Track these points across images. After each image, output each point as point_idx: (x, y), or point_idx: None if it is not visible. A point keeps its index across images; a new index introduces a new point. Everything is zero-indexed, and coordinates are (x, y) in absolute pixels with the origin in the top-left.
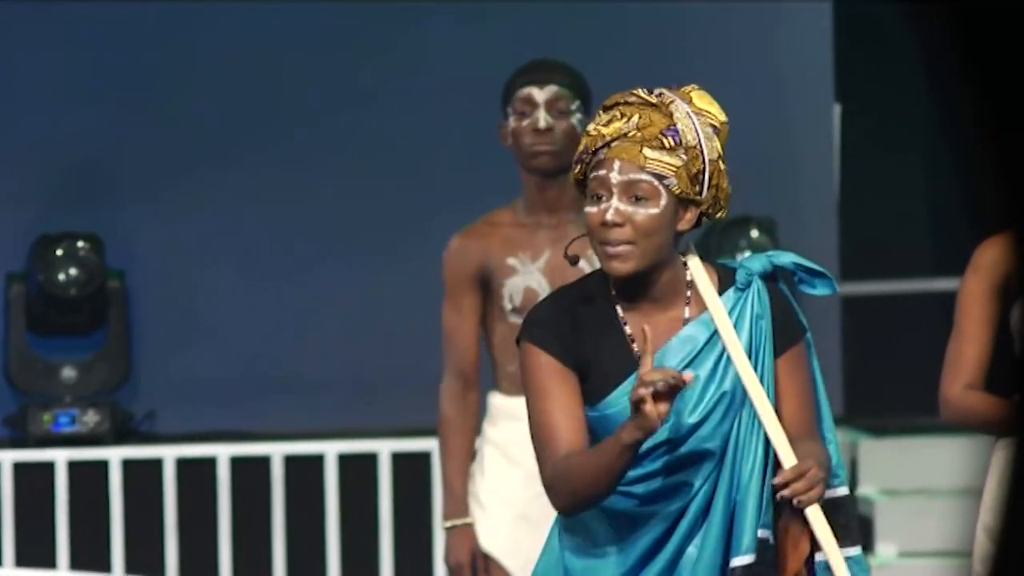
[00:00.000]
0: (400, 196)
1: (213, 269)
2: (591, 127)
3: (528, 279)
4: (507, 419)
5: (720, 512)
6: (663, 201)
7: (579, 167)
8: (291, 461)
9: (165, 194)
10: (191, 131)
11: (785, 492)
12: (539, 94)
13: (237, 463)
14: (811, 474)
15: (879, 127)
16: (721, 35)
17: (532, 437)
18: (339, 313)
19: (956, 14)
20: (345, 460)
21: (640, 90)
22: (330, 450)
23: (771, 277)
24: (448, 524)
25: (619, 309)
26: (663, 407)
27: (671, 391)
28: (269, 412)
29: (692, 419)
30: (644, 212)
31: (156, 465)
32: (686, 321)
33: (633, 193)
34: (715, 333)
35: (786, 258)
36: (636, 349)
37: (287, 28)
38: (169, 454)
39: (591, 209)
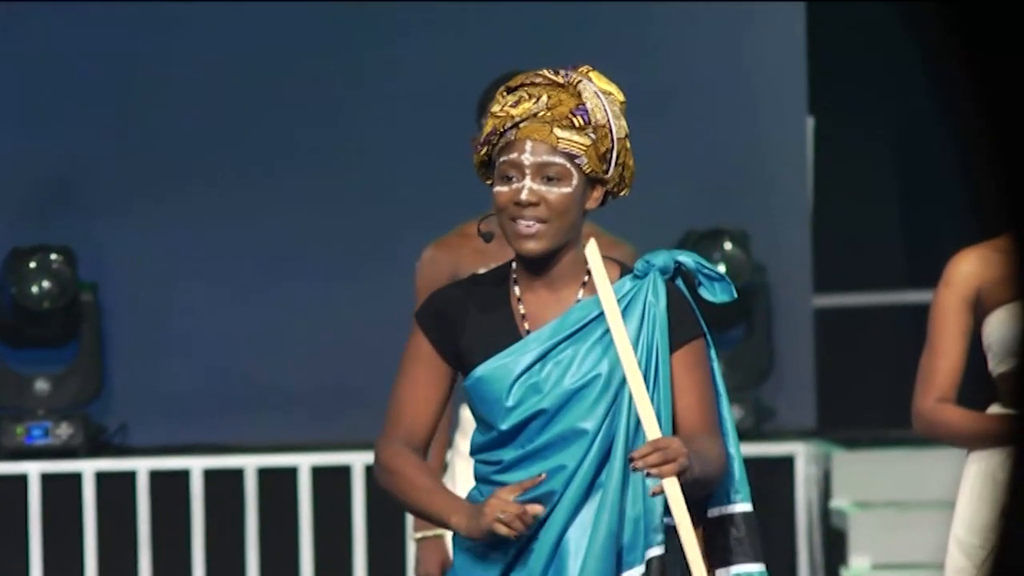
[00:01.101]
0: (372, 209)
1: (186, 281)
2: (496, 108)
3: None
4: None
5: (612, 499)
6: (575, 181)
7: (485, 148)
8: (264, 474)
9: (137, 207)
10: (164, 145)
11: (637, 464)
12: None
13: (210, 476)
14: (670, 449)
15: (853, 139)
16: (691, 44)
17: (388, 406)
18: (312, 325)
19: (956, 14)
20: (318, 472)
21: (545, 71)
22: (303, 463)
23: (672, 277)
24: (419, 536)
25: (516, 289)
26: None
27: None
28: (242, 425)
29: (566, 386)
30: (557, 191)
31: (129, 478)
32: (578, 303)
33: (546, 174)
34: (601, 314)
35: (689, 258)
36: (526, 327)
37: (258, 42)
38: (142, 467)
39: (502, 189)
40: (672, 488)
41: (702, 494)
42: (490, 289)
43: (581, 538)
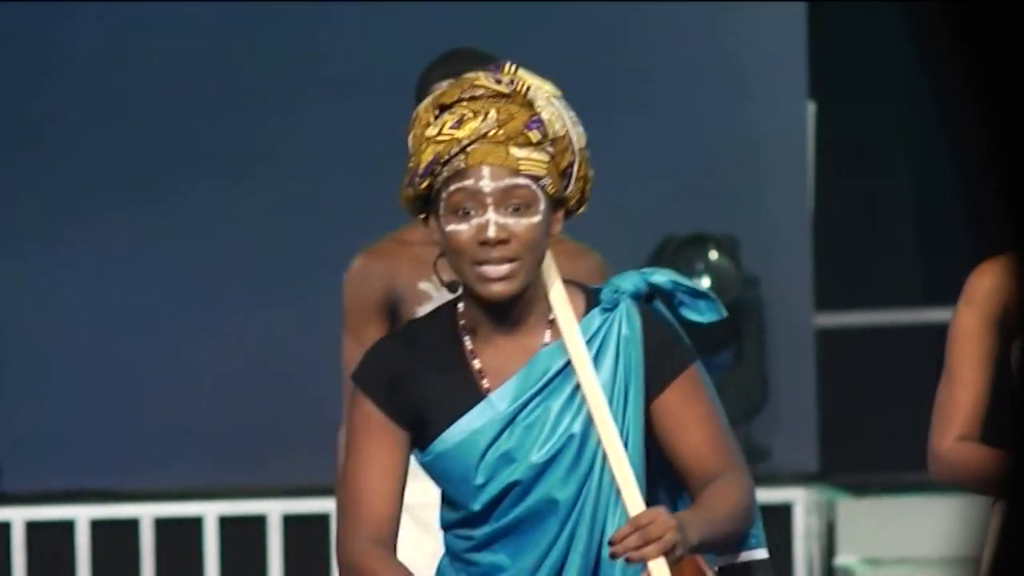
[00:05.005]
0: (289, 221)
1: (71, 306)
2: (433, 132)
3: None
4: (418, 477)
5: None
6: (542, 206)
7: (426, 181)
8: (163, 525)
9: (14, 224)
10: (40, 154)
11: (616, 549)
12: None
13: (99, 527)
14: (653, 526)
15: (860, 128)
16: (670, 22)
17: (337, 496)
18: (221, 357)
19: (959, 17)
20: (228, 523)
21: (483, 79)
22: (210, 512)
23: (648, 298)
24: None
25: (467, 341)
26: None
27: None
28: (137, 468)
29: (538, 458)
30: (526, 222)
31: (3, 530)
32: (544, 347)
33: (510, 203)
34: (571, 363)
35: (663, 276)
36: (486, 385)
37: (154, 37)
38: (18, 517)
39: (459, 227)
40: (659, 571)
41: (725, 549)
42: (435, 338)
43: None
